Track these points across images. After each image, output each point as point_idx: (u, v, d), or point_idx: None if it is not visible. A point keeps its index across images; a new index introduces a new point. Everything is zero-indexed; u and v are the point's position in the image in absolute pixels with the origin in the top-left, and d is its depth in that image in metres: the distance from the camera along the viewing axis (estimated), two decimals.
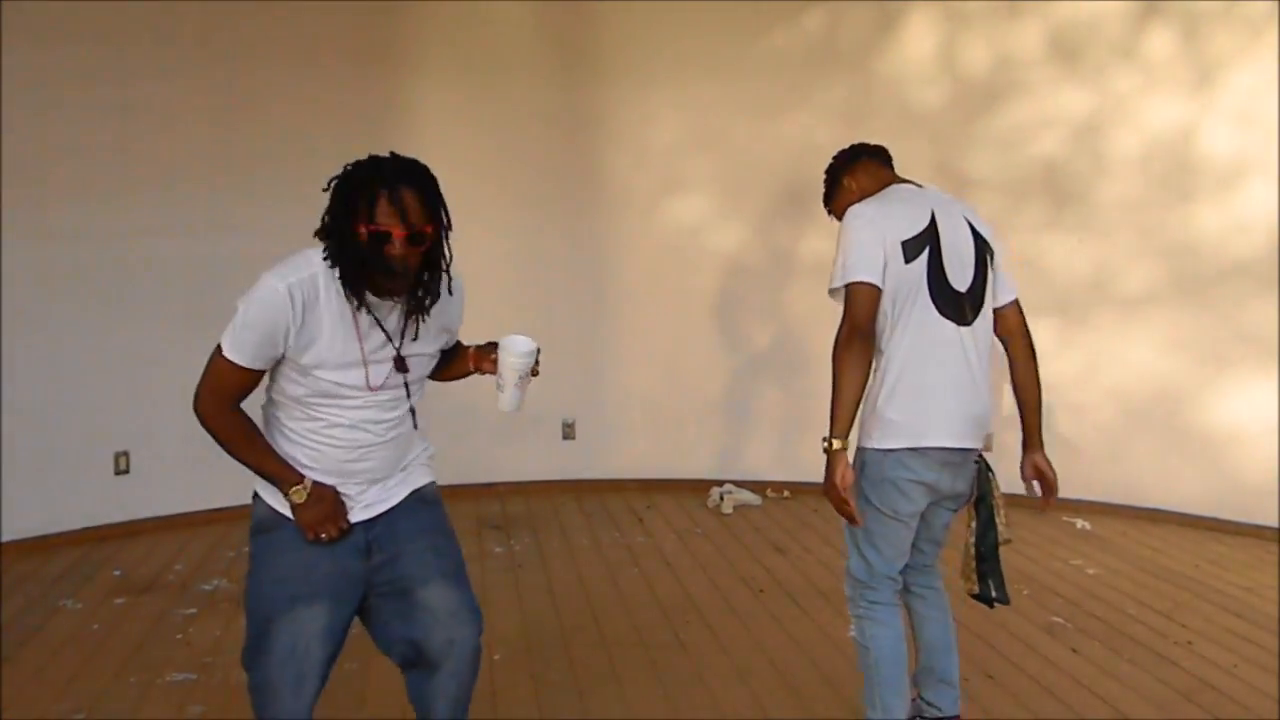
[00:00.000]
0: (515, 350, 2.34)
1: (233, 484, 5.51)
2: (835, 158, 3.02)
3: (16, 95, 4.91)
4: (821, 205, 3.06)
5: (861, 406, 2.68)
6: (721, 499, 5.85)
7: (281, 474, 2.22)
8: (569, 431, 6.34)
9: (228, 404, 2.17)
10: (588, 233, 6.25)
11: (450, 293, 2.27)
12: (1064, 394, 5.72)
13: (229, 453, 2.20)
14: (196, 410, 2.17)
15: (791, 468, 6.04)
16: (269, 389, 2.29)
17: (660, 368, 6.31)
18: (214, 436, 2.19)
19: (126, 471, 5.36)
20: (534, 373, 2.37)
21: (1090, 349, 5.64)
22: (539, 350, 2.37)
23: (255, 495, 2.33)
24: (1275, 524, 5.12)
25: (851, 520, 2.66)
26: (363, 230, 2.06)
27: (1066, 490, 5.51)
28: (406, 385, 2.29)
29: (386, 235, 2.06)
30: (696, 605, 4.26)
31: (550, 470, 6.27)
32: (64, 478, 5.18)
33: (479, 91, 5.97)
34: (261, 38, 5.52)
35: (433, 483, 2.45)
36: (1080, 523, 5.42)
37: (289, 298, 2.09)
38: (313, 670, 2.22)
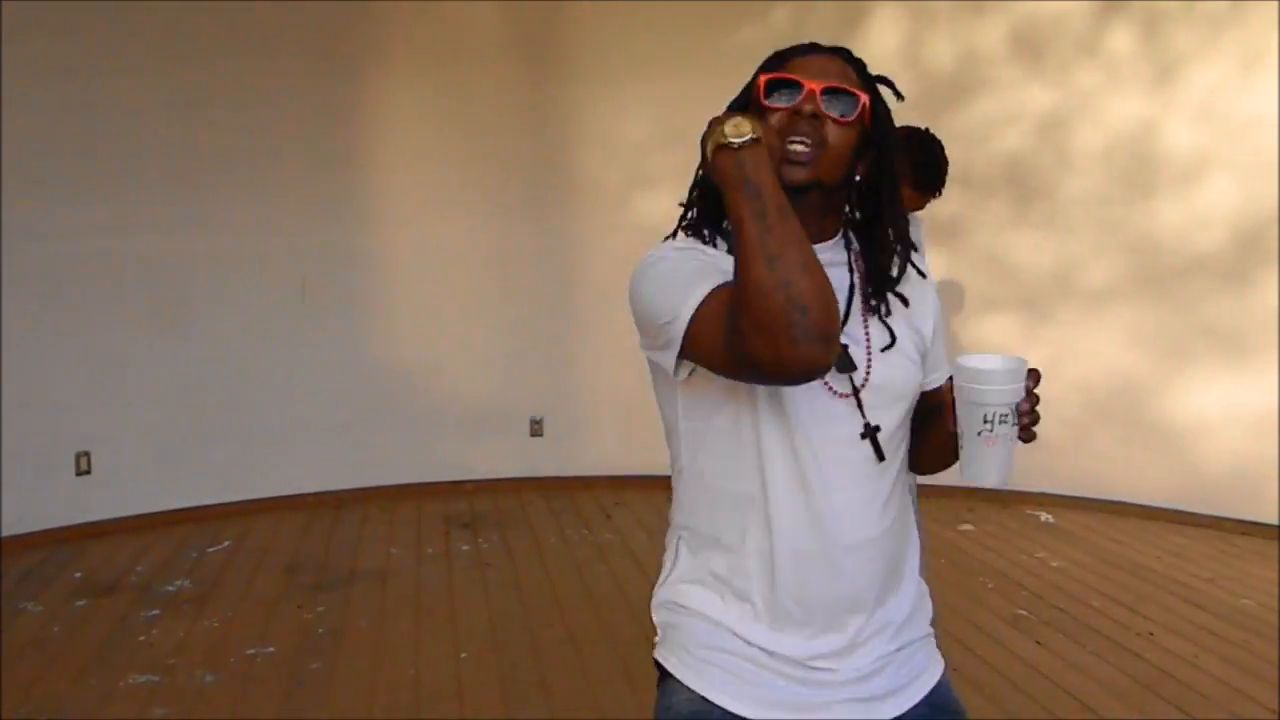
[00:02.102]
0: (975, 367, 1.32)
1: (196, 484, 5.56)
2: None
3: None
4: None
5: None
6: None
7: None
8: (537, 429, 6.31)
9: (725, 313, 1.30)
10: (556, 229, 6.22)
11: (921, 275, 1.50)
12: None
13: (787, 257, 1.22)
14: (750, 351, 1.26)
15: None
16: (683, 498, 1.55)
17: (629, 364, 6.19)
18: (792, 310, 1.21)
19: (88, 472, 5.28)
20: (1024, 416, 1.33)
21: (1054, 343, 5.68)
22: (1033, 373, 1.35)
23: (662, 677, 1.47)
24: (1236, 516, 5.18)
25: None
26: (760, 82, 1.40)
27: (1030, 483, 5.68)
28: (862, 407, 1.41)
29: (794, 84, 1.36)
30: None
31: (518, 468, 6.23)
32: (24, 479, 5.09)
33: (445, 88, 5.93)
34: (226, 35, 5.44)
35: (945, 670, 1.62)
36: (1044, 515, 5.47)
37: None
38: None
